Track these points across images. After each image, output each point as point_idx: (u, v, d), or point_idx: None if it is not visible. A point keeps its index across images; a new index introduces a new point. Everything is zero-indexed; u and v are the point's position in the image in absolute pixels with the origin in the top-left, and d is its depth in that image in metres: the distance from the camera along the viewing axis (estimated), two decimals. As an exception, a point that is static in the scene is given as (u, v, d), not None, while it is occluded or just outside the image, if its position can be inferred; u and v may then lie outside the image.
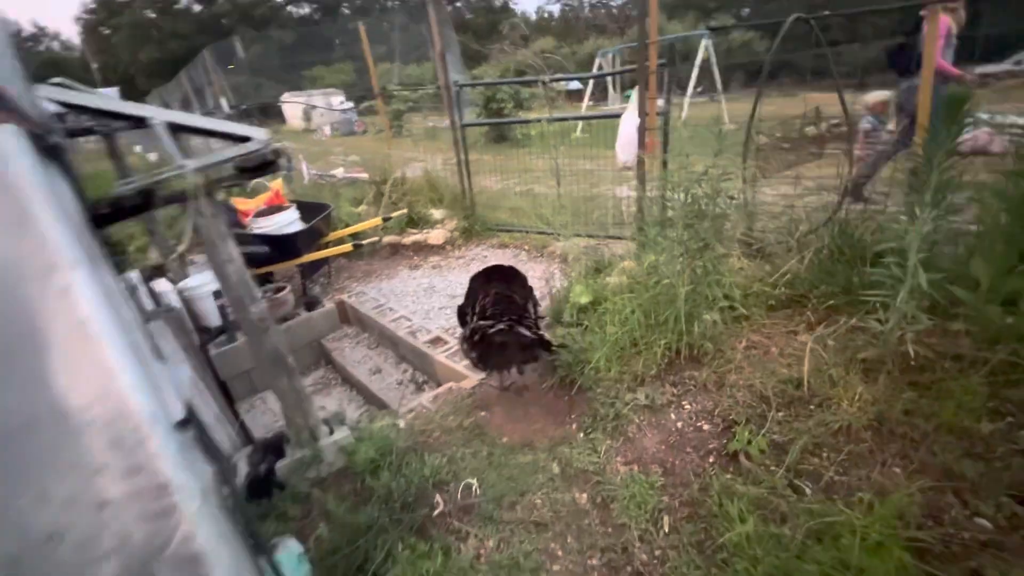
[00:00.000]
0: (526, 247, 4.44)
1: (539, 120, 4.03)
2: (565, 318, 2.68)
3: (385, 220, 4.03)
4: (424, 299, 3.77)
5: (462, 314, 2.48)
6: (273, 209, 3.65)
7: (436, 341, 3.15)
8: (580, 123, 7.26)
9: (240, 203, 3.92)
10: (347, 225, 4.61)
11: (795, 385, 1.95)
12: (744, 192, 3.06)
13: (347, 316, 3.85)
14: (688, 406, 2.01)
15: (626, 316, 2.36)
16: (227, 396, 2.97)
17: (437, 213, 4.95)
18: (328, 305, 3.77)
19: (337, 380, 3.52)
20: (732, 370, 2.12)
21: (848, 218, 2.74)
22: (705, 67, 11.05)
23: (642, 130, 3.09)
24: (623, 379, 2.19)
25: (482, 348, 2.27)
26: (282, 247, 3.53)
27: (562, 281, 3.26)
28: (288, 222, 3.56)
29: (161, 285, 2.75)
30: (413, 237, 4.72)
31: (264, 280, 3.78)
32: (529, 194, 6.12)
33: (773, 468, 1.62)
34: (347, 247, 3.50)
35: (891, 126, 5.11)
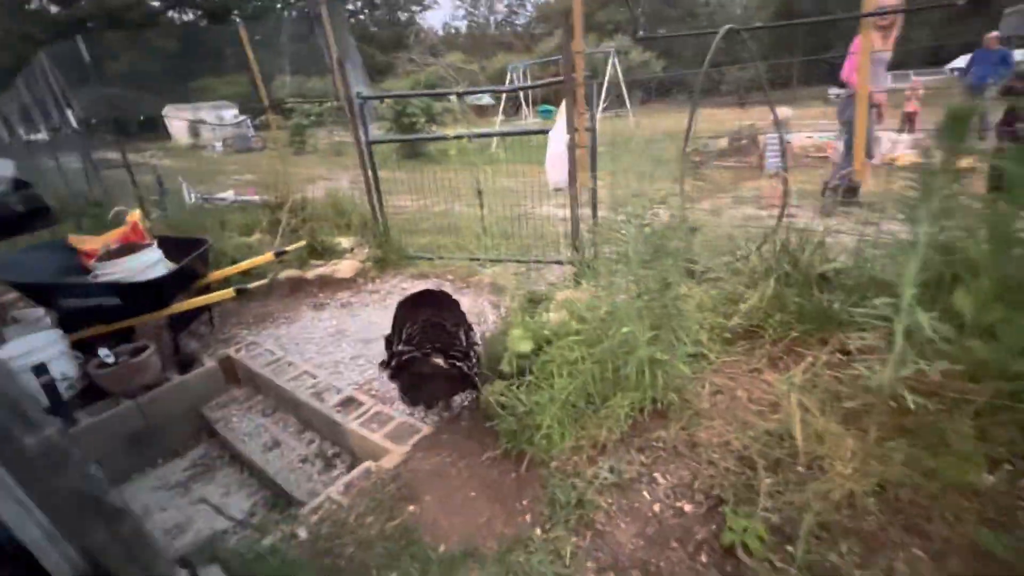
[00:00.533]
0: (450, 276, 3.99)
1: (459, 136, 3.64)
2: (504, 368, 2.27)
3: (279, 255, 3.39)
4: (332, 347, 3.18)
5: (388, 343, 2.33)
6: (127, 249, 2.90)
7: (348, 403, 2.60)
8: (495, 139, 7.07)
9: (81, 242, 3.09)
10: (233, 262, 3.88)
11: (777, 440, 1.69)
12: (681, 212, 2.87)
13: (235, 375, 3.16)
14: (662, 479, 1.67)
15: (576, 365, 2.01)
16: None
17: (345, 241, 4.36)
18: (209, 363, 3.05)
19: (223, 459, 2.82)
20: (702, 425, 1.84)
21: (789, 237, 2.62)
22: (610, 83, 11.37)
23: (572, 147, 2.80)
24: (581, 447, 1.82)
25: (404, 379, 2.20)
26: (139, 297, 2.80)
27: (495, 319, 2.87)
28: (147, 265, 2.84)
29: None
30: (318, 270, 4.09)
31: (122, 338, 2.99)
32: (449, 215, 5.69)
33: (781, 566, 1.31)
34: (228, 293, 2.84)
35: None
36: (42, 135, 7.54)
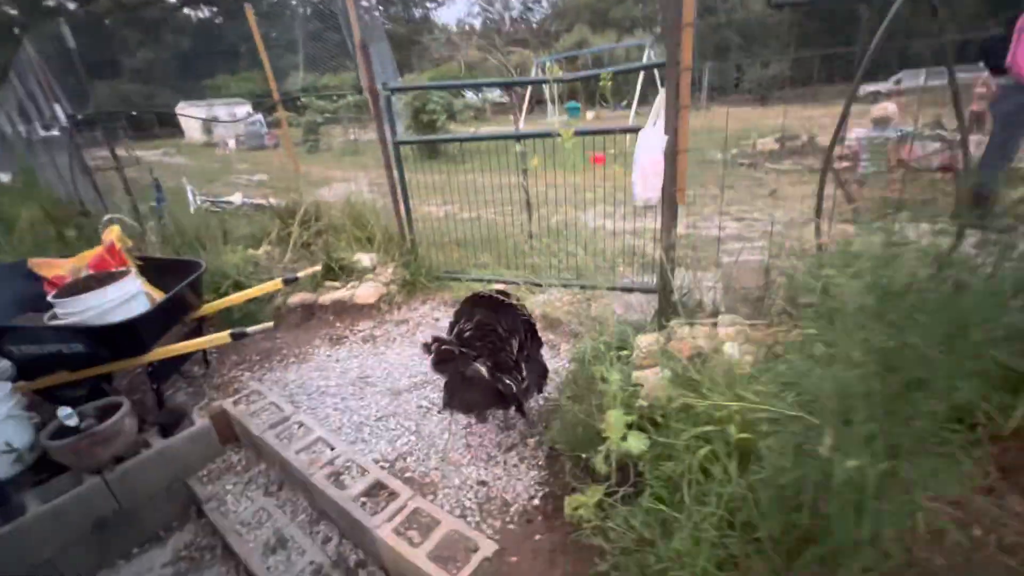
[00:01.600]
0: (491, 304, 3.33)
1: (519, 136, 2.99)
2: (598, 466, 1.61)
3: (287, 283, 2.76)
4: (353, 400, 2.54)
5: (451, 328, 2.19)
6: (96, 280, 2.28)
7: (376, 490, 1.96)
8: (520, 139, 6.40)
9: (45, 267, 2.49)
10: (236, 285, 3.27)
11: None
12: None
13: (233, 433, 2.54)
14: None
15: (725, 488, 1.34)
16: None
17: (366, 258, 3.72)
18: (200, 421, 2.43)
19: (214, 550, 2.20)
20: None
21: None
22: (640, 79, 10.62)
23: (672, 152, 2.12)
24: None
25: (443, 368, 2.06)
26: (110, 342, 2.18)
27: (561, 378, 2.23)
28: (120, 300, 2.21)
29: None
30: (333, 294, 3.45)
31: (94, 390, 2.39)
32: (481, 224, 5.04)
33: None
34: (221, 338, 2.21)
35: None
36: (52, 132, 7.02)
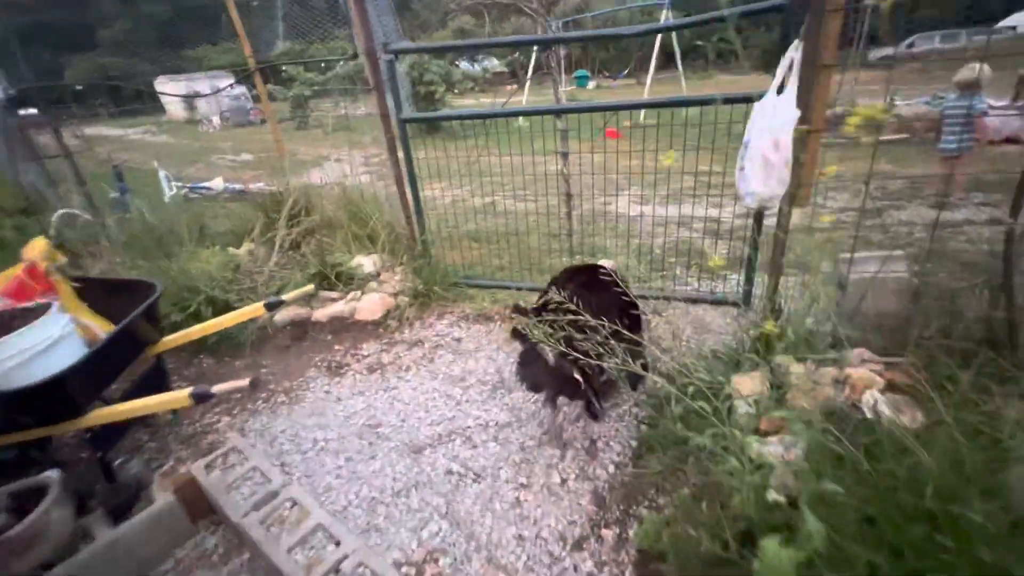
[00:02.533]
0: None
1: (553, 111, 2.35)
2: None
3: (271, 307, 2.14)
4: (361, 460, 1.97)
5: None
6: (2, 320, 1.66)
7: (402, 620, 1.40)
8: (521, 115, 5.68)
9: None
10: (209, 303, 2.67)
11: None
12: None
13: (206, 506, 1.96)
14: None
15: None
16: None
17: (368, 262, 3.09)
18: (162, 495, 1.85)
19: None
20: None
21: None
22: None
23: (802, 135, 1.50)
24: None
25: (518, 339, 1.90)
26: (25, 407, 1.58)
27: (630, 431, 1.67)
28: (34, 350, 1.61)
29: None
30: (330, 308, 2.85)
31: (22, 456, 1.81)
32: (495, 213, 4.40)
33: None
34: (179, 399, 1.60)
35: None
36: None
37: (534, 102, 11.98)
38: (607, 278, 1.93)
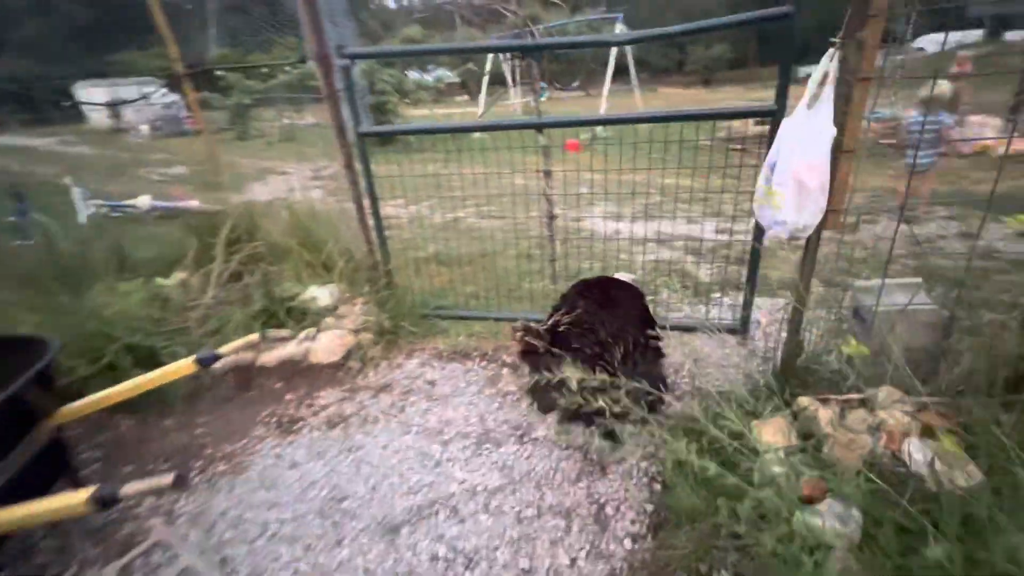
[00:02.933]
0: (507, 355, 2.46)
1: (532, 125, 2.10)
2: None
3: (205, 364, 1.75)
4: (324, 549, 1.61)
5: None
6: None
7: None
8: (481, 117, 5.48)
9: None
10: (128, 351, 2.23)
11: None
12: None
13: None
14: None
15: None
16: None
17: (323, 293, 2.72)
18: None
19: None
20: None
21: None
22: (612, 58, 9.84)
23: (835, 153, 1.32)
24: None
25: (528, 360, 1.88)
26: None
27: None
28: None
29: None
30: (280, 350, 2.46)
31: None
32: (459, 230, 4.11)
33: None
34: (74, 504, 1.20)
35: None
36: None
37: (499, 114, 11.79)
38: (624, 292, 1.83)
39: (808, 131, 1.31)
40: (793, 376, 1.75)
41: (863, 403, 1.68)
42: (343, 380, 2.40)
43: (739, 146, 7.53)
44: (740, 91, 26.31)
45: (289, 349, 2.45)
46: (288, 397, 2.33)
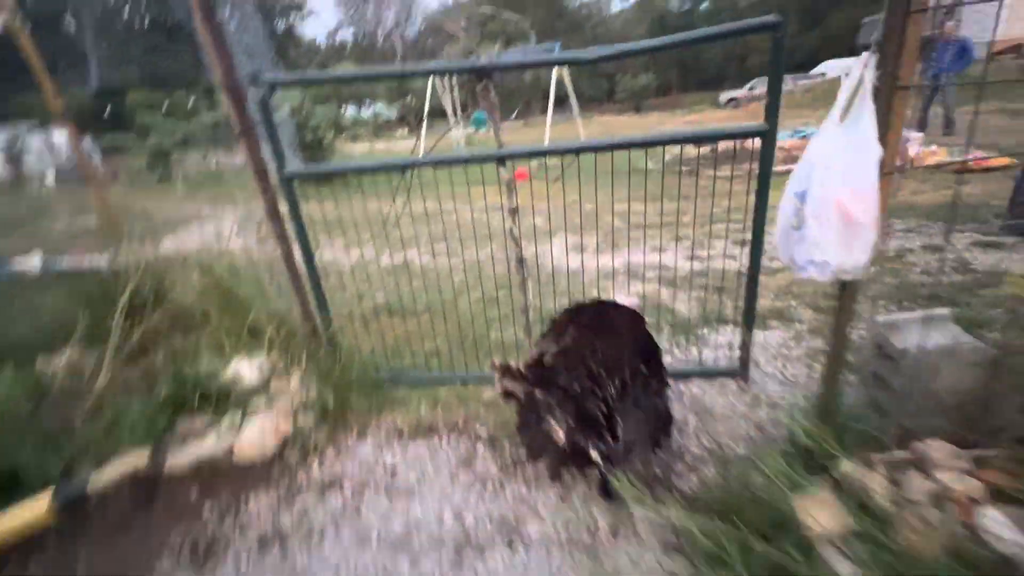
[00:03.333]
0: (482, 427, 2.07)
1: (493, 158, 1.80)
2: None
3: (64, 504, 1.24)
4: None
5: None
6: None
7: None
8: (423, 151, 5.15)
9: None
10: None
11: None
12: None
13: None
14: None
15: None
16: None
17: (249, 368, 2.23)
18: None
19: None
20: None
21: None
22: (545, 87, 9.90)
23: (880, 175, 1.08)
24: None
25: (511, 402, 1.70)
26: None
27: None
28: None
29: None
30: (194, 449, 1.95)
31: None
32: (409, 272, 3.72)
33: None
34: None
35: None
36: None
37: (442, 148, 11.50)
38: (621, 317, 1.62)
39: (847, 151, 1.07)
40: (827, 435, 1.48)
41: (913, 463, 1.43)
42: (279, 480, 1.92)
43: (685, 168, 7.62)
44: (667, 116, 27.71)
45: (207, 446, 1.95)
46: (206, 511, 1.82)
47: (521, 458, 1.88)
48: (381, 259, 4.04)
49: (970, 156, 4.93)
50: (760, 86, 28.97)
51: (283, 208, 2.16)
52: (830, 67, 27.49)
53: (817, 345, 2.35)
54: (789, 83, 28.43)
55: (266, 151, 2.05)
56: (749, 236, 1.91)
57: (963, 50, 7.71)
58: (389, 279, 3.52)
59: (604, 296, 1.79)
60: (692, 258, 3.71)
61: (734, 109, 26.95)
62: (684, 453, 1.81)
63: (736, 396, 2.07)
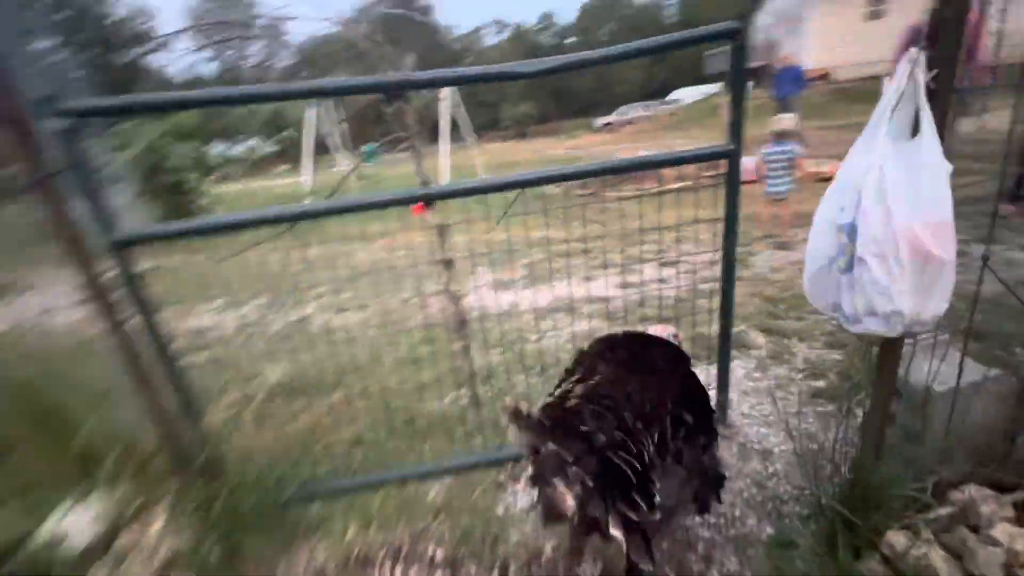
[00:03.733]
0: (440, 546, 1.58)
1: (416, 198, 1.39)
2: None
3: None
4: None
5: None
6: None
7: None
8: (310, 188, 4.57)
9: None
10: None
11: None
12: None
13: None
14: None
15: None
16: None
17: (80, 519, 1.53)
18: None
19: None
20: None
21: None
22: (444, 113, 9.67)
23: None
24: None
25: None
26: None
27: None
28: None
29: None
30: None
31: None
32: (308, 333, 3.11)
33: None
34: None
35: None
36: None
37: (328, 183, 10.64)
38: (661, 354, 1.35)
39: (910, 171, 0.84)
40: (863, 503, 1.25)
41: (954, 517, 1.25)
42: None
43: (589, 191, 7.67)
44: (552, 141, 29.01)
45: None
46: None
47: (495, 582, 1.43)
48: (272, 321, 3.37)
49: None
50: (630, 112, 31.70)
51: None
52: (685, 94, 31.00)
53: (783, 373, 2.22)
54: (652, 109, 31.53)
55: (84, 208, 1.44)
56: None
57: (798, 76, 8.85)
58: (284, 347, 2.89)
59: (636, 330, 1.44)
60: (622, 286, 3.54)
61: (609, 133, 29.01)
62: (692, 536, 1.50)
63: (721, 447, 1.82)
